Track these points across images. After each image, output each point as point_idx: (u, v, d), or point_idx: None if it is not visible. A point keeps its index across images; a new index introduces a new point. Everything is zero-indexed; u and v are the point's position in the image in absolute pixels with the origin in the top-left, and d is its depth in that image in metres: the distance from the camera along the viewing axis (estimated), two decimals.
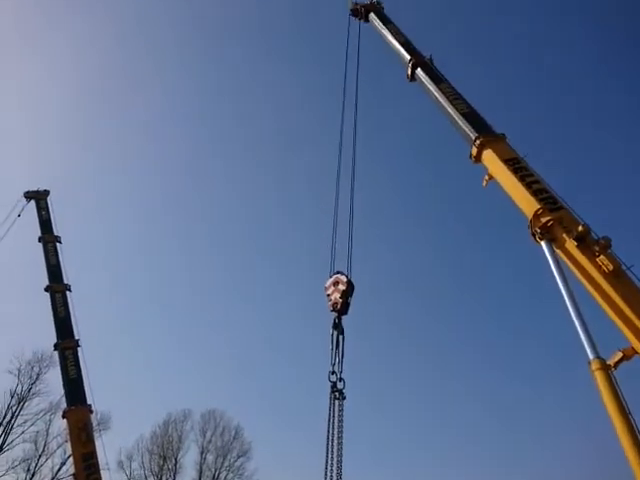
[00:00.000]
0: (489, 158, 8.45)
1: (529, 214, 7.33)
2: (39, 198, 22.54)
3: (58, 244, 20.65)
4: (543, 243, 6.99)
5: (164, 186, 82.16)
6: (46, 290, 18.90)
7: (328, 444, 6.95)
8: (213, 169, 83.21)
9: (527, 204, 7.47)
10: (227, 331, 72.85)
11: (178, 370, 67.67)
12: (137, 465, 39.96)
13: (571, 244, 6.61)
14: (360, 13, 13.86)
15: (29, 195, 22.88)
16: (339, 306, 7.75)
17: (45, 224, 21.34)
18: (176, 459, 40.84)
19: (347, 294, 7.80)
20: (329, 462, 6.82)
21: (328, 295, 8.05)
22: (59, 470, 39.06)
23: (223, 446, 41.93)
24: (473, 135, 8.76)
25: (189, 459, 41.30)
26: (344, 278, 8.03)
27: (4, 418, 39.41)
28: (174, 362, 69.71)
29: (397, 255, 75.64)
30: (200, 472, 40.39)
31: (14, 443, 38.93)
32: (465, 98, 9.58)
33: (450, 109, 9.43)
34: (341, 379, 7.33)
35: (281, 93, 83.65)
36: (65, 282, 19.25)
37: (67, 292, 18.94)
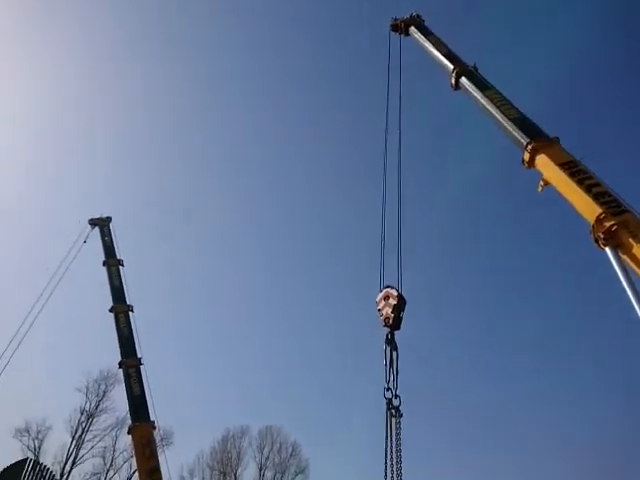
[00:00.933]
0: (543, 163, 8.14)
1: (591, 219, 6.93)
2: (102, 224, 23.99)
3: (121, 267, 21.79)
4: (607, 249, 6.58)
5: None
6: (110, 311, 19.82)
7: (387, 462, 6.83)
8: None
9: (588, 209, 7.07)
10: (284, 347, 73.88)
11: (236, 386, 69.14)
12: None
13: (639, 249, 6.19)
14: (400, 28, 13.90)
15: (93, 222, 24.42)
16: (391, 321, 7.64)
17: (108, 248, 22.58)
18: (235, 475, 41.46)
19: (399, 309, 7.67)
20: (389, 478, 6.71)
21: (379, 310, 7.97)
22: None
23: (281, 463, 42.13)
24: (524, 141, 8.48)
25: (248, 475, 41.81)
26: (394, 292, 7.91)
27: (76, 433, 41.85)
28: (231, 378, 71.38)
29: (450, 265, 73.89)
30: None
31: (85, 457, 41.24)
32: (513, 104, 9.32)
33: (499, 115, 9.19)
34: (397, 396, 7.19)
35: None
36: (128, 303, 20.17)
37: (130, 312, 19.85)
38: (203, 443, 47.59)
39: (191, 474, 41.21)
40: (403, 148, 11.20)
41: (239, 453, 42.87)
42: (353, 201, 77.51)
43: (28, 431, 40.91)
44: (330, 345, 72.98)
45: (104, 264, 21.77)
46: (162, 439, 34.90)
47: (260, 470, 41.77)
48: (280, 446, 43.00)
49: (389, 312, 7.69)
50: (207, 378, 72.63)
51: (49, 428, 41.91)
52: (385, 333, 7.58)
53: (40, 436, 41.29)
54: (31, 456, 34.36)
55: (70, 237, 24.33)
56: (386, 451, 6.88)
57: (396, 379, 7.31)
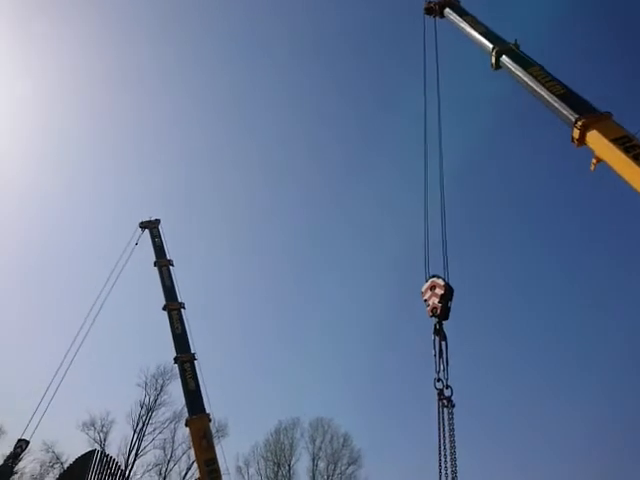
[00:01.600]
0: (594, 139, 7.72)
1: None
2: (152, 227, 24.98)
3: (171, 267, 22.63)
4: None
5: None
6: (164, 309, 20.60)
7: (440, 453, 6.77)
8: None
9: None
10: (333, 337, 74.62)
11: (287, 378, 70.50)
12: (254, 471, 42.18)
13: None
14: (434, 10, 13.56)
15: (143, 225, 25.45)
16: (438, 311, 7.52)
17: (159, 249, 23.48)
18: (289, 466, 42.36)
19: (446, 298, 7.54)
20: (443, 471, 6.65)
21: (425, 300, 7.86)
22: (186, 475, 42.65)
23: (333, 453, 42.60)
24: (573, 117, 8.07)
25: (301, 466, 42.61)
26: (441, 282, 7.77)
27: (137, 426, 44.12)
28: (282, 370, 72.78)
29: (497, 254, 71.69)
30: (313, 479, 41.38)
31: (146, 449, 43.45)
32: (559, 79, 8.87)
33: (544, 93, 8.79)
34: (448, 386, 7.09)
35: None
36: (179, 300, 20.92)
37: (182, 310, 20.60)
38: (257, 434, 49.02)
39: (247, 464, 42.48)
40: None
41: (292, 444, 43.75)
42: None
43: (93, 425, 43.48)
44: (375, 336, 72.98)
45: (155, 264, 22.68)
46: (217, 431, 36.25)
47: (313, 460, 42.46)
48: (332, 437, 43.53)
49: (436, 302, 7.56)
50: (258, 371, 74.60)
51: (112, 422, 44.39)
52: (433, 323, 7.50)
53: (104, 429, 43.81)
54: (97, 448, 36.51)
55: (121, 240, 25.61)
56: (439, 442, 6.82)
57: (446, 369, 7.21)
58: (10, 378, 60.20)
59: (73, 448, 45.29)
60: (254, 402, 65.20)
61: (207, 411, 17.48)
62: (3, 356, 64.64)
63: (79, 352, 21.29)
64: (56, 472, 39.08)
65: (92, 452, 20.52)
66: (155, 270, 22.37)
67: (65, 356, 20.75)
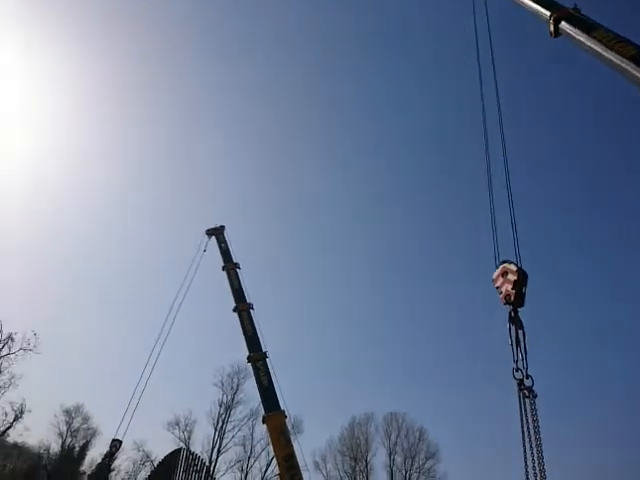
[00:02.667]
0: None
1: None
2: (217, 233, 26.03)
3: (238, 270, 23.44)
4: None
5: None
6: (234, 310, 21.38)
7: (525, 446, 6.47)
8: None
9: None
10: (405, 331, 74.04)
11: (357, 373, 70.80)
12: (331, 466, 42.67)
13: None
14: None
15: (209, 232, 26.60)
16: (512, 298, 7.14)
17: (225, 254, 24.41)
18: (366, 460, 42.44)
19: (520, 284, 7.15)
20: (530, 464, 6.34)
21: (497, 287, 7.47)
22: (266, 471, 44.02)
23: (410, 448, 42.13)
24: None
25: (378, 460, 42.51)
26: (513, 267, 7.31)
27: (217, 424, 46.19)
28: (352, 366, 73.12)
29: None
30: (391, 474, 41.18)
31: (227, 446, 45.37)
32: (629, 39, 8.08)
33: (613, 57, 8.04)
34: (528, 376, 6.75)
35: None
36: (248, 302, 21.63)
37: (251, 310, 21.27)
38: (331, 430, 49.59)
39: (324, 460, 43.10)
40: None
41: (367, 439, 43.79)
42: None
43: (178, 424, 46.12)
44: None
45: (223, 269, 23.59)
46: (293, 427, 37.05)
47: (390, 455, 42.24)
48: (407, 431, 43.07)
49: (509, 289, 7.18)
50: (327, 367, 75.42)
51: (195, 421, 46.88)
52: (507, 311, 7.13)
53: (188, 428, 46.34)
54: (183, 446, 38.62)
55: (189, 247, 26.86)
56: (523, 434, 6.51)
57: (525, 358, 6.85)
58: (101, 381, 65.44)
59: (161, 447, 48.55)
60: (326, 398, 66.24)
61: (282, 408, 17.88)
62: (95, 363, 70.39)
63: (160, 356, 22.59)
64: (147, 469, 42.01)
65: (179, 450, 21.82)
66: (224, 274, 23.31)
67: (148, 360, 22.11)
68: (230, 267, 23.50)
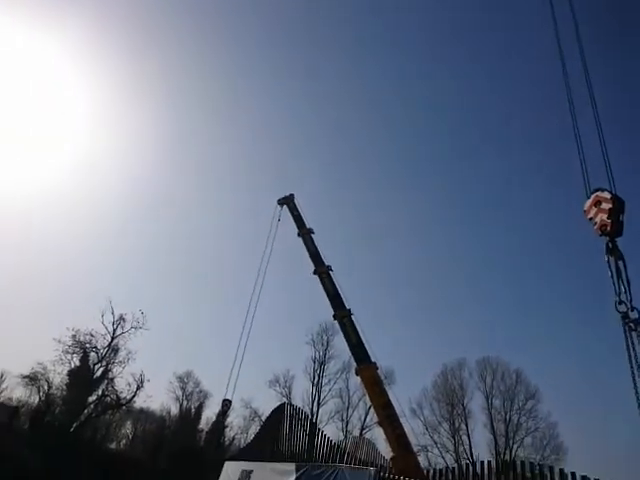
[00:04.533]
0: None
1: None
2: (289, 202, 26.61)
3: (312, 235, 23.92)
4: None
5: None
6: (314, 273, 22.06)
7: (635, 381, 6.14)
8: None
9: None
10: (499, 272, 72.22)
11: (442, 323, 70.56)
12: (428, 412, 43.53)
13: None
14: None
15: (280, 202, 27.31)
16: (609, 228, 6.60)
17: (299, 220, 24.95)
18: (463, 405, 42.70)
19: (617, 212, 6.56)
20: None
21: (591, 219, 6.89)
22: (365, 419, 46.18)
23: (507, 390, 41.61)
24: None
25: (475, 404, 42.57)
26: (607, 195, 6.70)
27: (313, 379, 48.95)
28: (437, 312, 72.97)
29: None
30: (490, 416, 41.14)
31: (326, 399, 48.15)
32: None
33: None
34: (633, 308, 6.30)
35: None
36: (326, 264, 22.12)
37: (330, 272, 21.75)
38: (423, 380, 50.37)
39: (420, 407, 44.01)
40: None
41: (461, 384, 43.88)
42: None
43: (278, 381, 49.56)
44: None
45: (298, 235, 24.19)
46: (385, 377, 38.07)
47: (487, 398, 42.05)
48: (503, 374, 42.45)
49: (604, 218, 6.61)
50: (413, 319, 75.92)
51: (293, 377, 50.09)
52: (604, 243, 6.60)
53: (287, 384, 49.68)
54: (285, 401, 41.43)
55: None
56: (632, 369, 6.16)
57: (628, 290, 6.38)
58: (207, 349, 71.47)
59: (266, 403, 52.82)
60: (414, 349, 67.06)
61: (372, 360, 18.37)
62: (197, 334, 76.87)
63: (253, 321, 24.15)
64: (256, 424, 45.77)
65: (283, 405, 23.41)
66: (299, 240, 23.92)
67: (244, 326, 23.75)
68: (305, 232, 24.00)
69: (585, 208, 7.01)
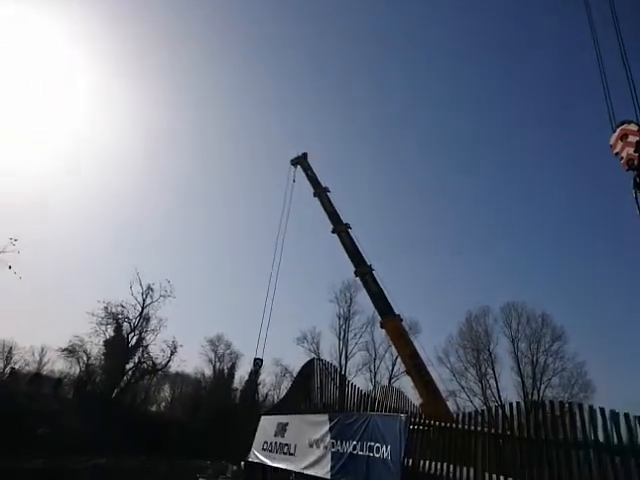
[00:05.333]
0: None
1: None
2: (301, 162, 26.25)
3: (329, 193, 23.72)
4: None
5: None
6: (333, 232, 22.08)
7: None
8: None
9: None
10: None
11: (463, 270, 70.51)
12: (454, 359, 44.22)
13: None
14: None
15: (294, 162, 26.95)
16: (636, 162, 6.28)
17: (313, 180, 24.68)
18: (489, 350, 43.14)
19: None
20: None
21: (617, 153, 6.55)
22: (392, 369, 47.35)
23: (533, 334, 41.76)
24: None
25: (501, 349, 42.96)
26: (634, 127, 6.33)
27: (339, 334, 50.18)
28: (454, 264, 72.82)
29: None
30: (517, 359, 41.55)
31: (353, 352, 49.43)
32: None
33: None
34: None
35: None
36: (344, 222, 22.04)
37: (349, 230, 21.72)
38: (448, 328, 50.89)
39: (446, 354, 44.68)
40: None
41: (486, 330, 44.21)
42: None
43: (305, 338, 50.87)
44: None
45: (314, 195, 24.00)
46: (410, 328, 38.64)
47: (513, 342, 42.31)
48: (528, 319, 42.50)
49: (631, 152, 6.27)
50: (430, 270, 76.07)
51: (319, 334, 51.35)
52: (632, 177, 6.30)
53: (315, 340, 50.99)
54: (314, 357, 42.65)
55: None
56: None
57: None
58: (236, 311, 73.38)
59: (295, 359, 54.68)
60: (436, 299, 67.54)
61: (396, 312, 18.58)
62: (227, 298, 78.74)
63: (277, 282, 24.43)
64: (288, 380, 47.46)
65: (312, 360, 24.01)
66: (316, 200, 23.76)
67: (268, 287, 24.09)
68: (320, 191, 23.79)
69: (611, 142, 6.65)
